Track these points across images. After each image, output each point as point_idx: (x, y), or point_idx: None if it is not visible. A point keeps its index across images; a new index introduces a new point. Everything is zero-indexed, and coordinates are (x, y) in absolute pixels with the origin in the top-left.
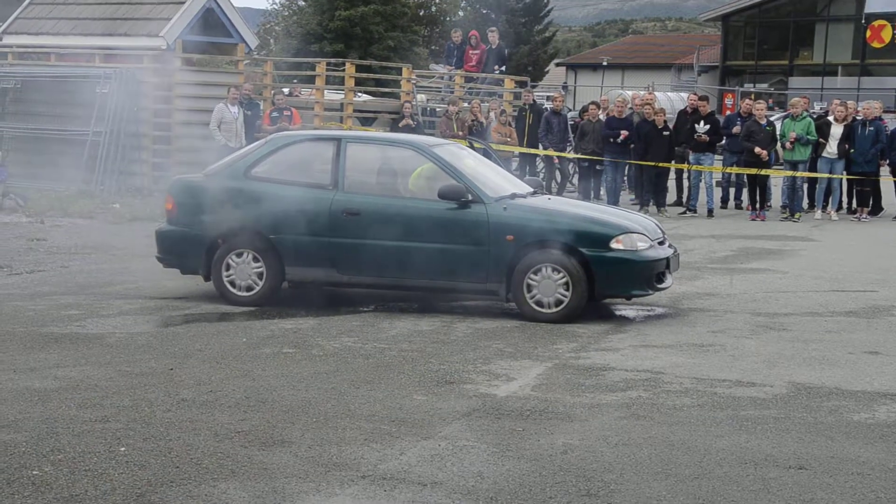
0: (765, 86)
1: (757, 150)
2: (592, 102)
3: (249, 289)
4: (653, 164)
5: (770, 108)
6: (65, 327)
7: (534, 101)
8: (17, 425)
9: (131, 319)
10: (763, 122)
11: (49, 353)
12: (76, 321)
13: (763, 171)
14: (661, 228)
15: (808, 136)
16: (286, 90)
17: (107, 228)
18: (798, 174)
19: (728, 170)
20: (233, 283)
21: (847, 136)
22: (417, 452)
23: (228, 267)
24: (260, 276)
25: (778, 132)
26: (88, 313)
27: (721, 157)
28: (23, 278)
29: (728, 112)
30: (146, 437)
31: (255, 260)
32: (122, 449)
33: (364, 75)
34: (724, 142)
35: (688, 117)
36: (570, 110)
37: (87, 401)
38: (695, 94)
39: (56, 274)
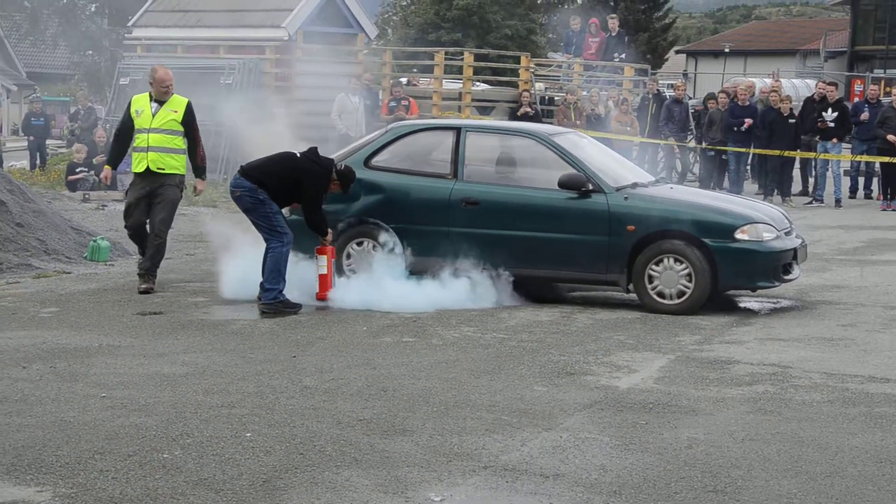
0: None
1: (890, 137)
2: (722, 91)
3: None
4: (778, 152)
5: None
6: (191, 314)
7: (658, 90)
8: (147, 409)
9: (254, 307)
10: None
11: (177, 339)
12: (202, 308)
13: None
14: (788, 218)
15: None
16: (404, 80)
17: (230, 217)
18: None
19: (857, 158)
20: (354, 272)
21: None
22: (539, 444)
23: (349, 256)
24: None
25: None
26: (213, 300)
27: (850, 146)
28: None
29: (856, 99)
30: (271, 423)
31: (376, 249)
32: (248, 434)
33: (482, 64)
34: (853, 130)
35: (815, 105)
36: (692, 98)
37: (213, 386)
38: (823, 80)
39: (182, 261)
